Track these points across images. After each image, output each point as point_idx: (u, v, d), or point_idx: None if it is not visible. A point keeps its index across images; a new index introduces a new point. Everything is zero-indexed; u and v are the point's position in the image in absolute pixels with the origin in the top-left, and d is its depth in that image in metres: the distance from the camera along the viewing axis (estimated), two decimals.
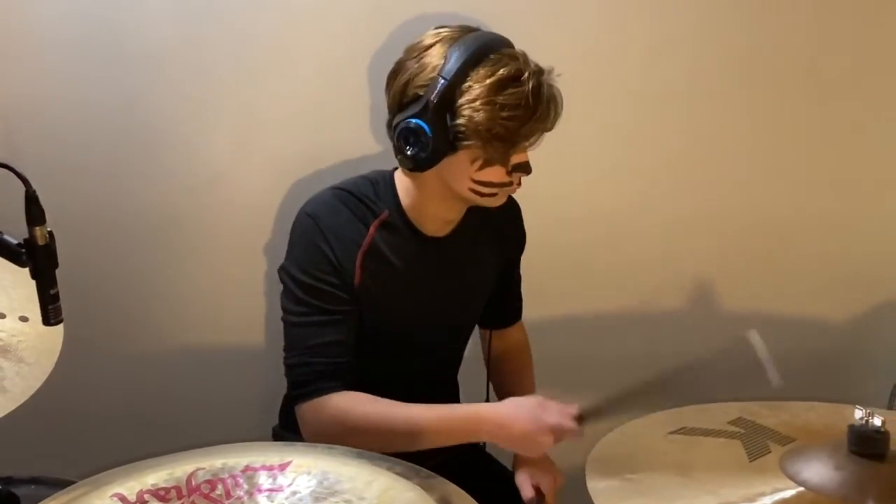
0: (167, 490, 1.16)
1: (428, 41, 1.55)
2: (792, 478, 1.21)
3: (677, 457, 1.30)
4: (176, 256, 2.01)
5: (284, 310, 1.62)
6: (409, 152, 1.54)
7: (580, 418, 1.51)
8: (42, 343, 1.39)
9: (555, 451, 1.77)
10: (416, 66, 1.53)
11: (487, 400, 1.81)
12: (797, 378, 2.20)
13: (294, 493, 1.16)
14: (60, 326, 1.25)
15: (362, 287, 1.60)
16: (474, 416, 1.58)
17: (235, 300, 2.05)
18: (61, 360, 1.41)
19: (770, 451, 1.30)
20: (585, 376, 2.13)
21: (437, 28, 1.57)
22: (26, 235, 1.17)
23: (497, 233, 1.77)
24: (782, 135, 2.17)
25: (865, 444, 1.20)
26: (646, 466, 1.27)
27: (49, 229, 1.18)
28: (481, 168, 1.55)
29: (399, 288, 1.65)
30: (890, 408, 2.13)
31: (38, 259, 1.17)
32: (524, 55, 1.54)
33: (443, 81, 1.50)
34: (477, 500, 1.15)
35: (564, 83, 1.57)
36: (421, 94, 1.52)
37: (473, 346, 1.87)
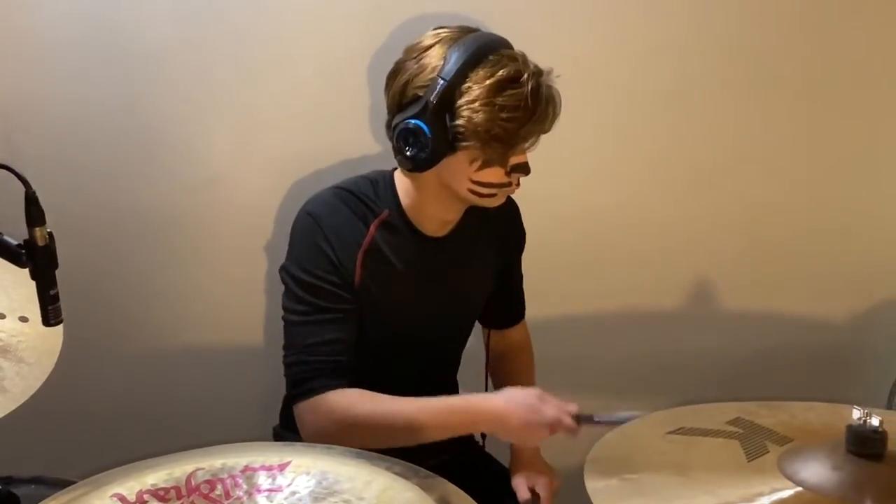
0: (167, 490, 1.16)
1: (427, 42, 1.55)
2: (790, 478, 1.21)
3: (676, 457, 1.30)
4: (176, 257, 2.01)
5: (285, 309, 1.63)
6: (408, 153, 1.54)
7: (577, 419, 1.51)
8: (42, 343, 1.40)
9: (553, 452, 1.78)
10: (415, 66, 1.53)
11: None
12: (797, 377, 2.23)
13: (293, 493, 1.17)
14: (60, 327, 1.25)
15: (362, 286, 1.60)
16: (473, 407, 1.57)
17: (236, 300, 2.05)
18: (61, 360, 1.41)
19: (768, 451, 1.29)
20: (585, 376, 2.14)
21: (436, 28, 1.57)
22: (26, 236, 1.17)
23: (496, 233, 1.77)
24: (781, 134, 2.17)
25: (863, 444, 1.20)
26: (644, 466, 1.27)
27: (49, 230, 1.18)
28: (480, 169, 1.55)
29: (399, 287, 1.65)
30: (889, 407, 2.13)
31: (38, 260, 1.17)
32: (523, 56, 1.55)
33: (442, 82, 1.50)
34: (476, 500, 1.16)
35: (563, 83, 1.57)
36: (420, 94, 1.52)
37: (473, 346, 1.87)
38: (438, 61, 1.51)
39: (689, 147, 2.15)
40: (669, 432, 1.37)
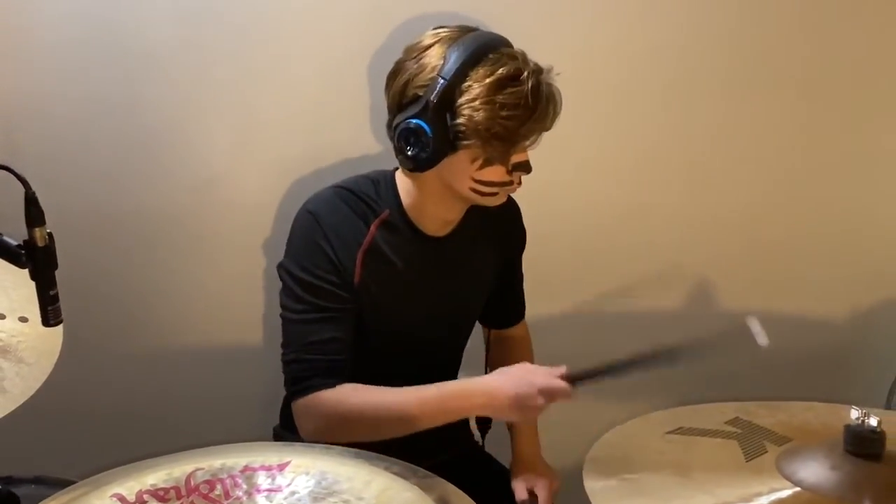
0: (166, 490, 1.17)
1: (427, 41, 1.55)
2: (788, 478, 1.21)
3: (674, 457, 1.30)
4: (176, 257, 2.01)
5: (283, 307, 1.63)
6: (409, 152, 1.55)
7: (568, 378, 1.51)
8: (42, 343, 1.40)
9: (553, 451, 1.79)
10: (415, 66, 1.53)
11: None
12: (797, 376, 2.22)
13: (292, 493, 1.17)
14: (60, 327, 1.25)
15: (362, 285, 1.60)
16: (464, 390, 1.58)
17: (236, 300, 2.05)
18: (61, 360, 1.42)
19: (767, 451, 1.30)
20: None
21: (436, 28, 1.57)
22: (26, 236, 1.17)
23: (497, 232, 1.78)
24: (781, 134, 2.17)
25: (861, 444, 1.20)
26: (643, 466, 1.28)
27: (48, 230, 1.18)
28: (481, 167, 1.55)
29: (399, 287, 1.65)
30: (888, 407, 2.13)
31: (38, 260, 1.17)
32: (523, 54, 1.55)
33: (442, 81, 1.50)
34: (475, 500, 1.16)
35: (563, 82, 1.57)
36: (420, 94, 1.52)
37: (473, 346, 1.87)
38: (438, 61, 1.51)
39: (690, 147, 2.15)
40: (668, 432, 1.38)
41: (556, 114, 1.55)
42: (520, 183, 1.61)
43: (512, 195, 1.70)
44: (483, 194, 1.59)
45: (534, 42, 1.60)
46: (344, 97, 1.96)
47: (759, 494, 1.18)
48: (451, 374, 1.85)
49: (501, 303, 1.87)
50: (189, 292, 2.04)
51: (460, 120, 1.50)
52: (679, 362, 1.44)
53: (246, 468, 1.21)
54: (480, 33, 1.56)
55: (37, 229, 1.17)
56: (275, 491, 1.17)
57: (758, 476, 1.23)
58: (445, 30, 1.56)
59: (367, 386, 1.56)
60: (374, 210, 1.63)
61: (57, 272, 1.19)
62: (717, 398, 1.48)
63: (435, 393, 1.56)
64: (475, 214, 1.70)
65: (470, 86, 1.50)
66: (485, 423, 1.84)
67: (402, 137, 1.54)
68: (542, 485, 1.71)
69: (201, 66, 1.92)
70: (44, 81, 1.88)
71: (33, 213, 1.17)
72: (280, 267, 1.64)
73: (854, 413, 1.22)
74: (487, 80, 1.49)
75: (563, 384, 1.50)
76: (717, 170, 2.17)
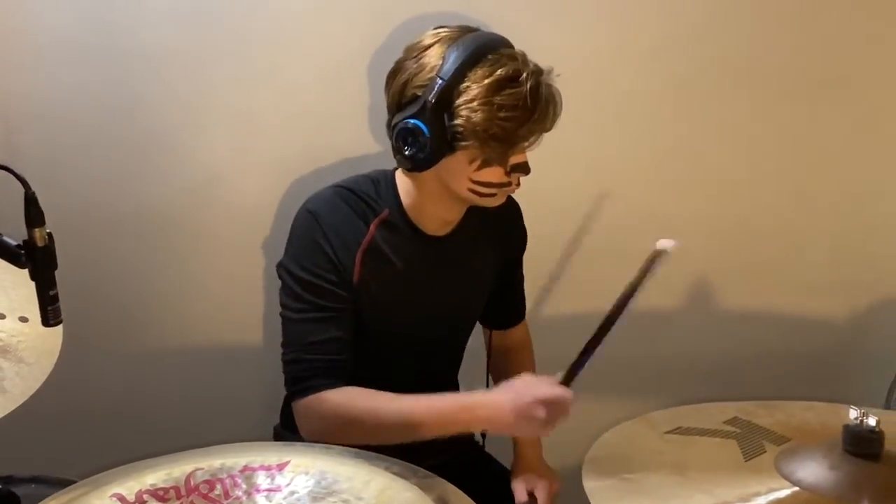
0: (166, 490, 1.17)
1: (427, 41, 1.55)
2: (787, 477, 1.21)
3: (673, 456, 1.30)
4: (176, 257, 2.01)
5: (283, 306, 1.63)
6: (407, 152, 1.55)
7: (563, 382, 1.50)
8: (42, 343, 1.40)
9: (552, 451, 1.79)
10: (414, 66, 1.53)
11: None
12: (796, 376, 2.23)
13: (292, 492, 1.17)
14: (60, 327, 1.25)
15: (361, 285, 1.61)
16: (467, 405, 1.56)
17: (236, 300, 2.05)
18: (61, 360, 1.42)
19: (765, 451, 1.30)
20: (583, 375, 2.14)
21: (436, 28, 1.57)
22: (26, 236, 1.17)
23: (497, 233, 1.77)
24: (781, 133, 2.17)
25: (860, 443, 1.20)
26: (642, 466, 1.28)
27: (48, 230, 1.18)
28: (480, 168, 1.55)
29: (399, 287, 1.65)
30: (887, 406, 2.13)
31: (38, 260, 1.17)
32: (523, 55, 1.54)
33: (441, 82, 1.50)
34: (475, 500, 1.16)
35: (564, 82, 1.57)
36: (419, 94, 1.52)
37: (474, 346, 1.87)
38: (437, 61, 1.51)
39: (690, 146, 2.14)
40: (667, 432, 1.38)
41: (556, 115, 1.55)
42: (518, 184, 1.61)
43: (512, 195, 1.70)
44: (481, 195, 1.59)
45: (535, 43, 1.59)
46: (344, 97, 1.96)
47: (758, 494, 1.19)
48: (452, 375, 1.85)
49: (502, 303, 1.86)
50: (189, 292, 2.04)
51: (458, 121, 1.50)
52: (627, 307, 1.49)
53: (245, 468, 1.21)
54: (480, 34, 1.55)
55: (36, 229, 1.17)
56: (274, 491, 1.18)
57: (756, 476, 1.23)
58: (446, 30, 1.56)
59: (371, 390, 1.55)
60: (373, 209, 1.63)
61: (57, 272, 1.19)
62: (716, 398, 1.49)
63: (438, 404, 1.55)
64: (475, 214, 1.69)
65: (468, 86, 1.49)
66: None
67: (400, 137, 1.54)
68: (542, 486, 1.71)
69: (201, 66, 1.92)
70: (44, 83, 1.89)
71: (33, 213, 1.17)
72: (280, 266, 1.64)
73: (853, 413, 1.22)
74: (486, 81, 1.49)
75: (560, 390, 1.49)
76: (717, 170, 2.17)
